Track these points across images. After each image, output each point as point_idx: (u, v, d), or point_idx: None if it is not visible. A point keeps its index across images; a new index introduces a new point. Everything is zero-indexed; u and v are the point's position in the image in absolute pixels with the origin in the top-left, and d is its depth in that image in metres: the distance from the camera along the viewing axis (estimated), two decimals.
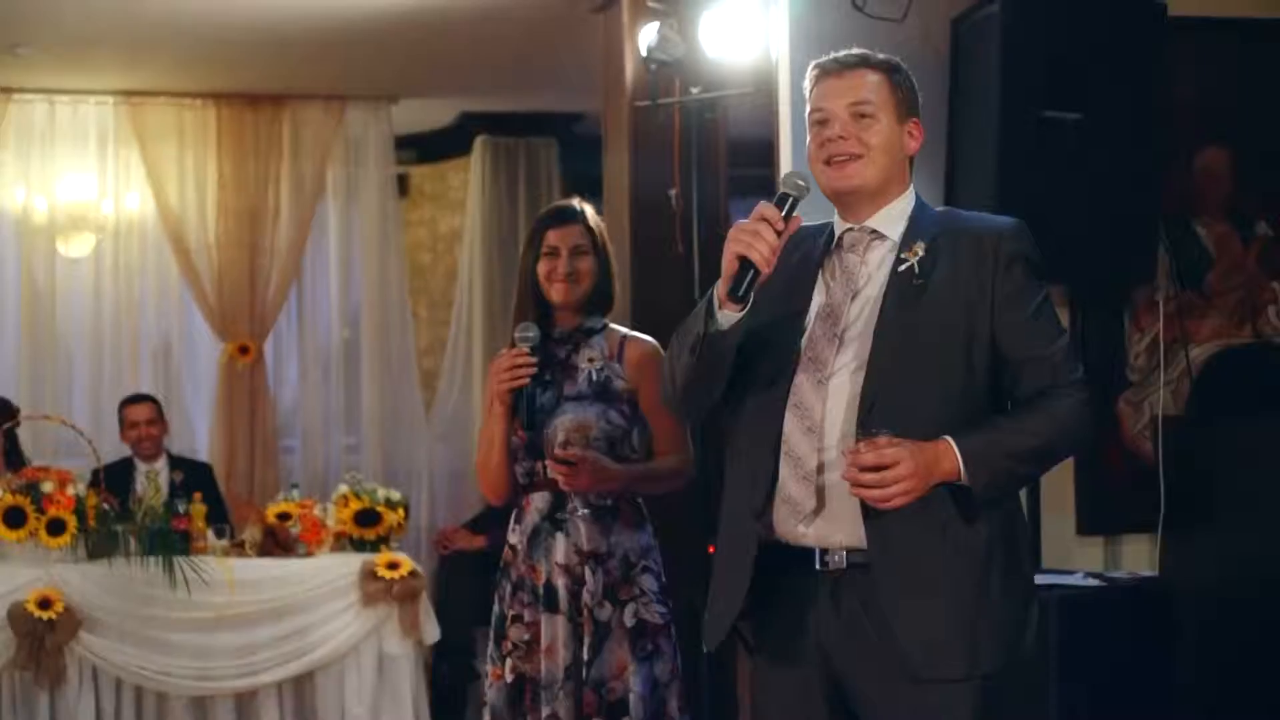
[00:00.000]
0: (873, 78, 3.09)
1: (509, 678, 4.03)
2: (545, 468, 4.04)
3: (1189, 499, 4.96)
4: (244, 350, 9.13)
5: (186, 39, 8.03)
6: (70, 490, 5.97)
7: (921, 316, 2.98)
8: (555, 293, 4.10)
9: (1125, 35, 4.75)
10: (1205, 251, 5.25)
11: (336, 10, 7.51)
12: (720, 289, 3.01)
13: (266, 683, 6.15)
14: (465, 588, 7.57)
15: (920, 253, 3.03)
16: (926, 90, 5.01)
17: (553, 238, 4.13)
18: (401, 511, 6.40)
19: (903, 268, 3.03)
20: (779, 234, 2.95)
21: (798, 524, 3.01)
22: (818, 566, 3.01)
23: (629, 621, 3.99)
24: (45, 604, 5.83)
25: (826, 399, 3.00)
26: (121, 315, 9.20)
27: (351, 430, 9.54)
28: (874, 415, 2.93)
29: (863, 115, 3.06)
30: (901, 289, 3.02)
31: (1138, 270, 4.92)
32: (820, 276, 3.12)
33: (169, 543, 6.02)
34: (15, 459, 7.27)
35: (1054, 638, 4.37)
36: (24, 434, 7.78)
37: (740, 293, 2.97)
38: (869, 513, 2.93)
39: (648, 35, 5.90)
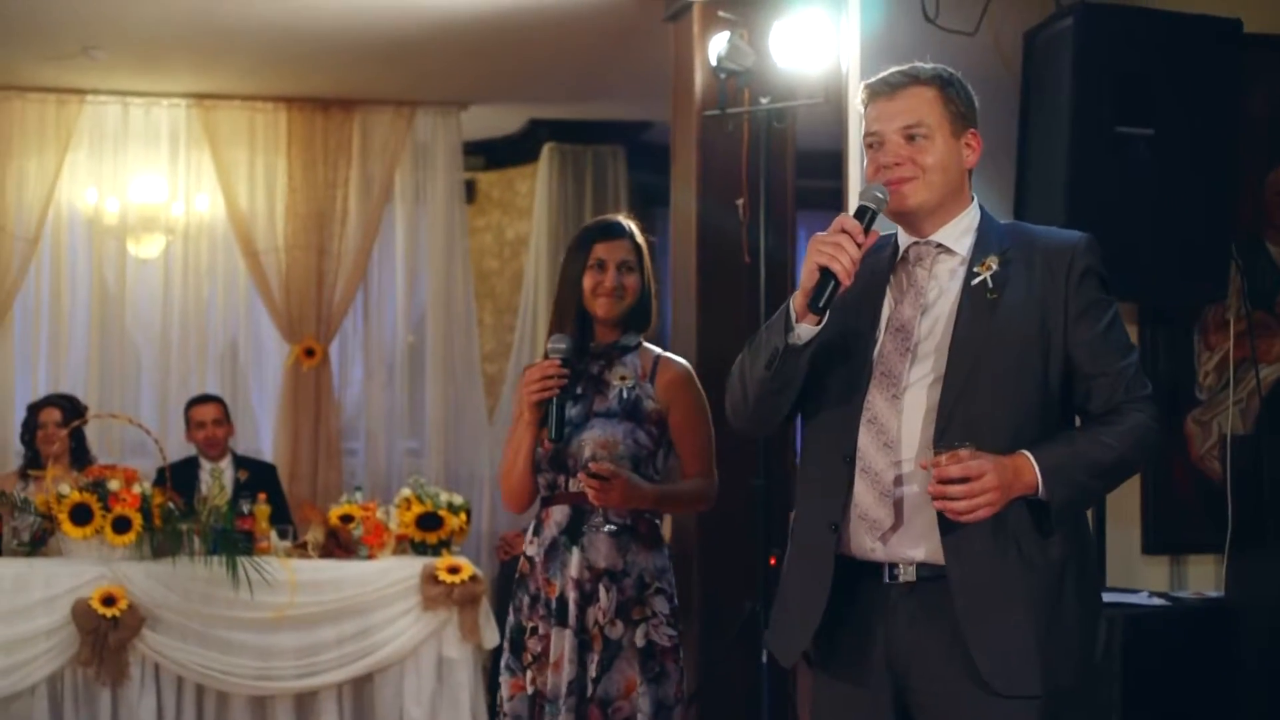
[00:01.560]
0: (925, 94, 3.07)
1: (529, 690, 4.04)
2: (568, 481, 4.04)
3: (1256, 519, 4.91)
4: (310, 352, 9.18)
5: (258, 43, 8.09)
6: (136, 489, 6.01)
7: (996, 330, 2.98)
8: (600, 307, 4.10)
9: (1199, 51, 4.71)
10: (1276, 271, 5.20)
11: (408, 17, 7.55)
12: (798, 301, 2.99)
13: (326, 684, 6.17)
14: None
15: (994, 267, 3.02)
16: (997, 104, 5.00)
17: (601, 250, 4.12)
18: (463, 516, 6.42)
19: (975, 281, 3.02)
20: (860, 246, 2.94)
21: (873, 540, 3.00)
22: (886, 580, 3.00)
23: (640, 642, 3.99)
24: (109, 601, 5.87)
25: (901, 413, 3.00)
26: (190, 316, 9.27)
27: (414, 434, 9.58)
28: (951, 429, 2.93)
29: (915, 137, 3.05)
30: (975, 303, 3.01)
31: (1208, 288, 4.87)
32: (888, 290, 3.11)
33: (233, 542, 6.05)
34: (82, 457, 7.33)
35: (1118, 657, 4.34)
36: (91, 432, 7.84)
37: (821, 304, 2.95)
38: (946, 527, 2.92)
39: (718, 44, 5.90)
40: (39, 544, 6.12)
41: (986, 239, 3.08)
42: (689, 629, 4.13)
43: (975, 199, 3.16)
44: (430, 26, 7.70)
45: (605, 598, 3.98)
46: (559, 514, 4.07)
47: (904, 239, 3.14)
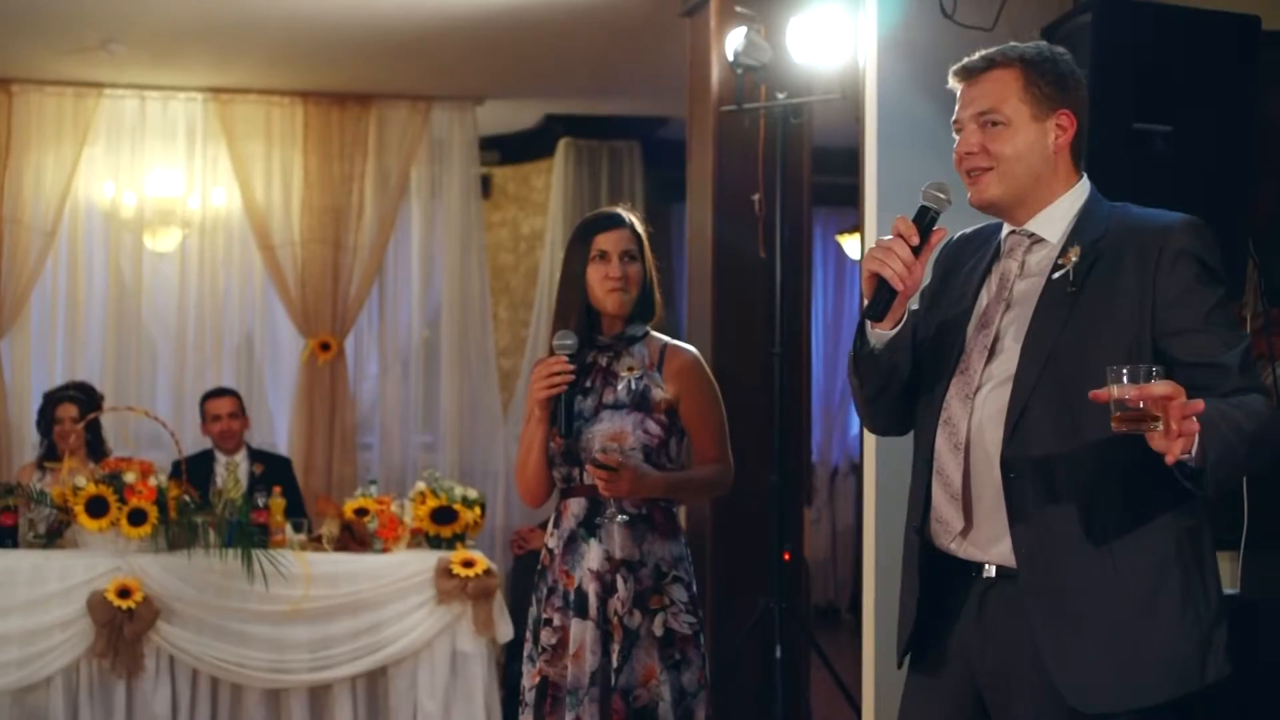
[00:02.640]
0: (1005, 77, 2.93)
1: (535, 680, 4.05)
2: (583, 474, 4.05)
3: (1273, 515, 4.90)
4: (325, 346, 9.20)
5: (275, 37, 8.11)
6: (152, 481, 6.02)
7: (1075, 326, 2.81)
8: (611, 304, 4.10)
9: (1217, 48, 4.70)
10: None
11: (424, 11, 7.56)
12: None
13: (340, 677, 6.18)
14: None
15: (1075, 258, 2.85)
16: None
17: (602, 241, 4.12)
18: (478, 510, 6.42)
19: (1057, 275, 2.87)
20: (918, 248, 2.84)
21: (950, 541, 2.92)
22: (971, 575, 2.90)
23: (658, 630, 4.00)
24: (125, 593, 5.89)
25: (972, 414, 2.88)
26: (205, 309, 9.30)
27: (429, 428, 9.60)
28: (1020, 432, 2.80)
29: (992, 124, 2.92)
30: (1054, 297, 2.85)
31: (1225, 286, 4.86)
32: (984, 284, 3.00)
33: (248, 535, 6.06)
34: (98, 449, 7.35)
35: None
36: (107, 424, 7.86)
37: (878, 312, 2.87)
38: (1020, 534, 2.81)
39: (735, 40, 5.90)
40: (55, 536, 6.14)
41: (1083, 226, 2.91)
42: (702, 620, 4.13)
43: (1084, 180, 2.99)
44: (447, 21, 7.71)
45: (623, 588, 3.99)
46: (576, 506, 4.09)
47: (1005, 228, 3.01)
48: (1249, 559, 4.92)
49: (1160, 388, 2.51)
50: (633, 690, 3.96)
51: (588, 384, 4.09)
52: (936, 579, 2.96)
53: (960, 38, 4.93)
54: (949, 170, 4.90)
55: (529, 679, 4.09)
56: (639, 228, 4.17)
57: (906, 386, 3.02)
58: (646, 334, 4.17)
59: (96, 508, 5.96)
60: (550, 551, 4.12)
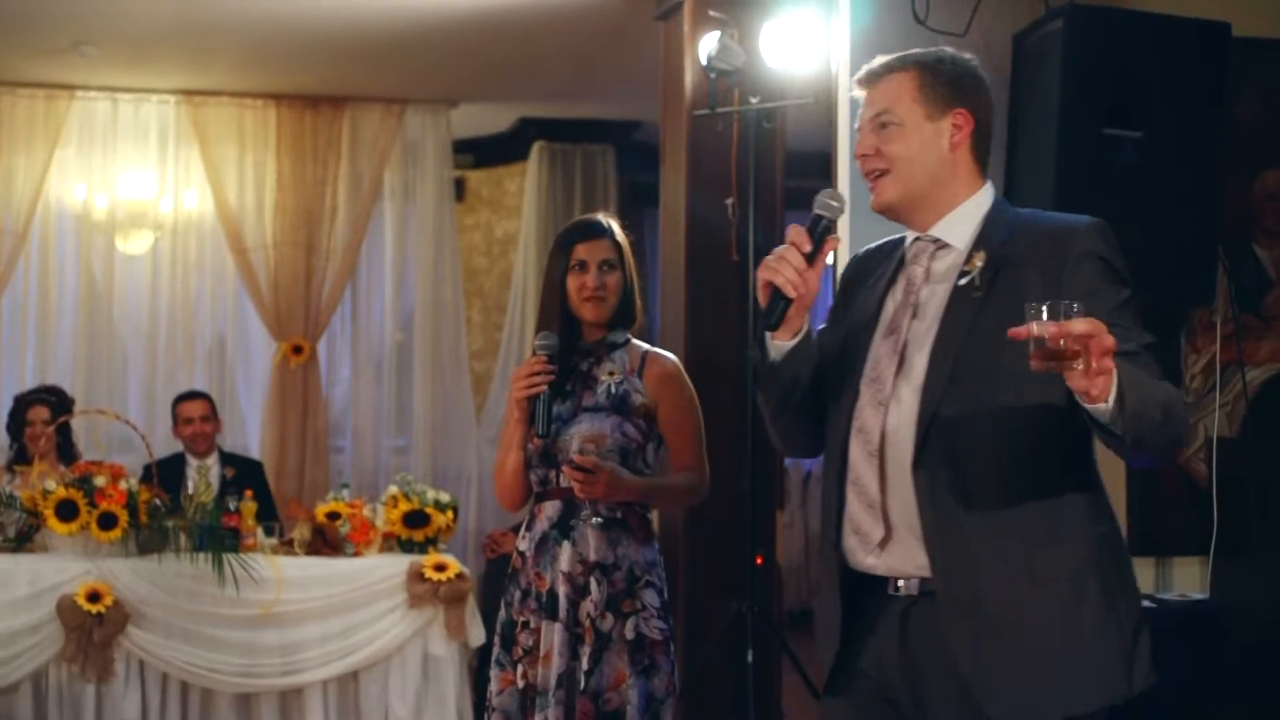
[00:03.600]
0: (902, 79, 2.92)
1: (520, 684, 4.05)
2: (559, 476, 4.06)
3: (1242, 521, 4.92)
4: (298, 350, 9.18)
5: (248, 40, 8.09)
6: (122, 485, 5.99)
7: (980, 331, 2.78)
8: (588, 312, 4.12)
9: (1188, 54, 4.72)
10: (1264, 274, 5.21)
11: (397, 15, 7.55)
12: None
13: (311, 681, 6.16)
14: None
15: (980, 263, 2.83)
16: None
17: (581, 251, 4.14)
18: (450, 514, 6.41)
19: (963, 281, 2.84)
20: (812, 255, 2.81)
21: (867, 555, 2.87)
22: (890, 592, 2.86)
23: (629, 635, 4.00)
24: (94, 597, 5.86)
25: (885, 420, 2.84)
26: (177, 312, 9.27)
27: (402, 432, 9.59)
28: (933, 438, 2.77)
29: (884, 125, 2.90)
30: (960, 303, 2.82)
31: (1195, 291, 4.88)
32: (890, 291, 2.96)
33: (219, 539, 6.04)
34: (68, 452, 7.33)
35: None
36: (78, 427, 7.84)
37: (772, 321, 2.83)
38: (934, 541, 2.77)
39: (708, 44, 5.89)
40: (24, 540, 6.10)
41: (988, 231, 2.89)
42: (673, 627, 4.13)
43: (988, 185, 2.97)
44: (420, 24, 7.70)
45: (596, 590, 3.99)
46: (550, 509, 4.10)
47: (910, 235, 2.99)
48: (1218, 564, 4.95)
49: (1080, 324, 2.47)
50: (602, 694, 3.97)
51: (568, 387, 4.11)
52: (855, 599, 2.92)
53: (932, 43, 4.93)
54: None
55: (497, 684, 4.09)
56: (619, 236, 4.19)
57: (812, 404, 2.99)
58: (628, 340, 4.19)
59: (66, 511, 5.93)
60: (522, 554, 4.13)
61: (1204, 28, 4.75)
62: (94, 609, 5.85)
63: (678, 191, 6.66)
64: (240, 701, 6.16)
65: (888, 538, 2.84)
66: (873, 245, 3.09)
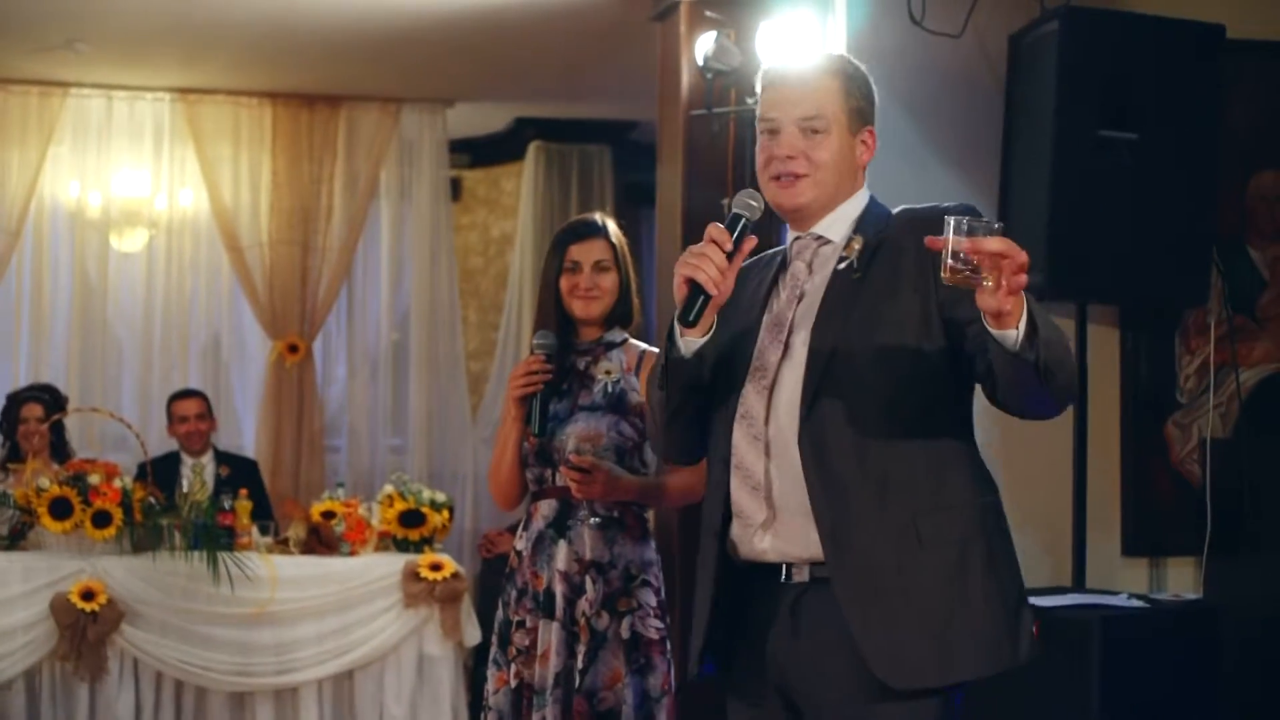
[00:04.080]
0: (830, 85, 2.95)
1: (513, 683, 4.05)
2: (555, 475, 4.07)
3: (1235, 522, 4.93)
4: (293, 349, 9.17)
5: (244, 38, 8.08)
6: (117, 483, 5.99)
7: (861, 311, 2.84)
8: (577, 309, 4.13)
9: (1182, 56, 4.73)
10: (1258, 275, 5.22)
11: (394, 14, 7.54)
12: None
13: (306, 680, 6.16)
14: None
15: (858, 246, 2.90)
16: (981, 106, 5.02)
17: (575, 252, 4.14)
18: (446, 513, 6.41)
19: (842, 265, 2.91)
20: (732, 254, 2.84)
21: (754, 539, 2.91)
22: (781, 580, 2.90)
23: (625, 634, 4.00)
24: (89, 596, 5.86)
25: (769, 405, 2.89)
26: (172, 311, 9.25)
27: (398, 431, 9.57)
28: (815, 415, 2.82)
29: (814, 131, 2.93)
30: (840, 286, 2.89)
31: (1190, 292, 4.89)
32: (774, 290, 3.02)
33: (213, 538, 6.04)
34: (62, 451, 7.32)
35: (1097, 659, 4.35)
36: (72, 426, 7.83)
37: (690, 317, 2.85)
38: (823, 515, 2.80)
39: (705, 44, 5.90)
40: (18, 538, 6.10)
41: (865, 222, 2.96)
42: (670, 626, 4.13)
43: (865, 190, 3.03)
44: (417, 23, 7.69)
45: (592, 589, 4.00)
46: (546, 508, 4.10)
47: (790, 236, 3.05)
48: (1212, 564, 4.95)
49: (994, 242, 2.48)
50: (598, 693, 3.97)
51: (565, 386, 4.11)
52: (744, 590, 2.95)
53: (928, 43, 4.95)
54: (918, 172, 4.93)
55: (493, 683, 4.10)
56: (614, 236, 4.19)
57: (703, 407, 3.01)
58: (625, 339, 4.19)
59: (60, 509, 5.93)
60: (519, 554, 4.13)
61: (1199, 30, 4.76)
62: (88, 607, 5.84)
63: (674, 191, 6.66)
64: (235, 700, 6.16)
65: (772, 519, 2.88)
66: (746, 261, 3.03)
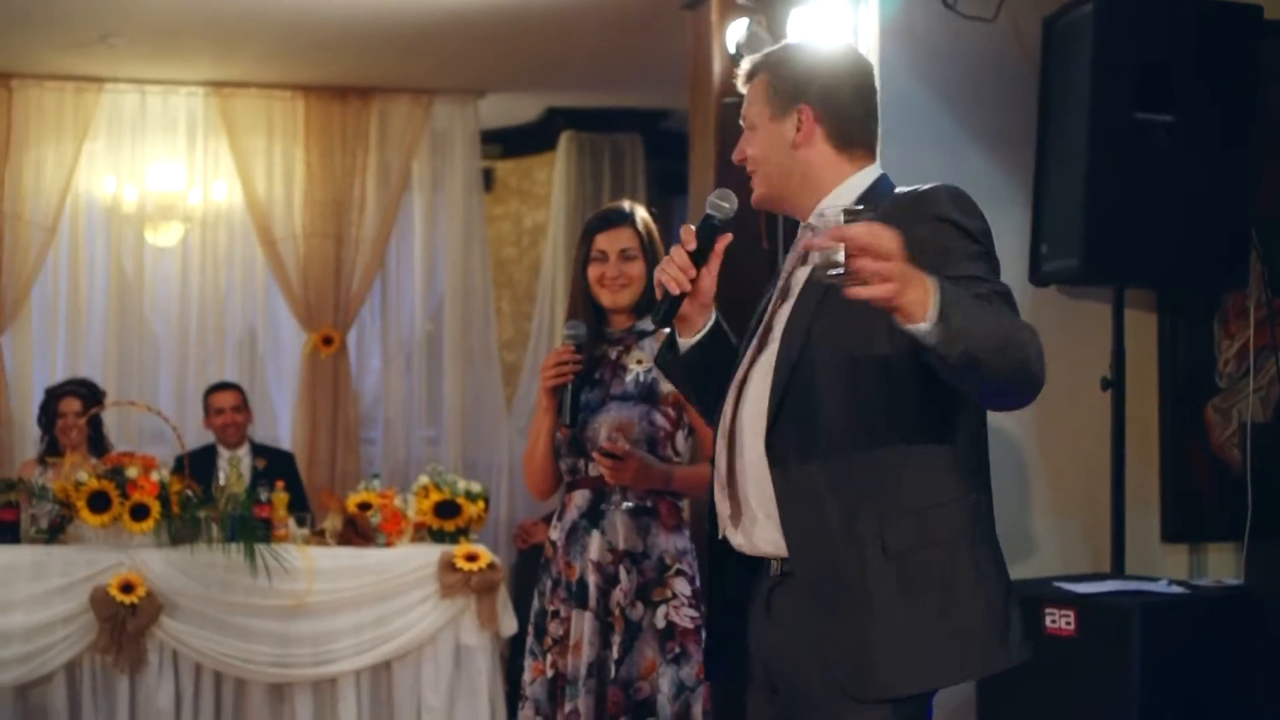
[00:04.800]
0: (757, 83, 3.03)
1: (549, 673, 4.06)
2: (588, 465, 4.08)
3: (1276, 507, 4.89)
4: (328, 340, 9.19)
5: (276, 31, 8.09)
6: (154, 476, 6.01)
7: (831, 308, 2.75)
8: (604, 298, 4.16)
9: (1220, 38, 4.69)
10: None
11: (426, 5, 7.54)
12: None
13: (344, 671, 6.18)
14: None
15: None
16: (1016, 90, 5.00)
17: (601, 241, 4.16)
18: (481, 504, 6.42)
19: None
20: (701, 253, 2.90)
21: (727, 532, 2.93)
22: (759, 572, 2.90)
23: (659, 623, 4.01)
24: (127, 588, 5.88)
25: (739, 403, 2.90)
26: (207, 304, 9.28)
27: (432, 422, 9.59)
28: (782, 417, 2.78)
29: (750, 128, 3.03)
30: (817, 280, 2.74)
31: (1229, 276, 4.85)
32: (774, 281, 3.06)
33: (251, 530, 6.06)
34: (100, 444, 7.35)
35: (1137, 645, 4.33)
36: (109, 419, 7.86)
37: (658, 317, 2.94)
38: (789, 521, 2.77)
39: (736, 32, 5.88)
40: (57, 531, 6.13)
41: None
42: (704, 615, 4.12)
43: (872, 166, 2.97)
44: (448, 14, 7.69)
45: (626, 579, 4.00)
46: (580, 498, 4.11)
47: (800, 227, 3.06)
48: (1253, 550, 4.92)
49: (857, 229, 2.41)
50: (634, 683, 3.97)
51: (596, 376, 4.11)
52: (738, 575, 2.97)
53: (961, 28, 4.92)
54: (953, 158, 4.91)
55: (530, 673, 4.11)
56: (642, 224, 4.19)
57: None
58: (656, 329, 4.18)
59: (99, 503, 5.96)
60: (553, 544, 4.14)
61: (1236, 10, 4.72)
62: (127, 600, 5.87)
63: (706, 179, 6.64)
64: (273, 691, 6.18)
65: (737, 515, 2.89)
66: None
